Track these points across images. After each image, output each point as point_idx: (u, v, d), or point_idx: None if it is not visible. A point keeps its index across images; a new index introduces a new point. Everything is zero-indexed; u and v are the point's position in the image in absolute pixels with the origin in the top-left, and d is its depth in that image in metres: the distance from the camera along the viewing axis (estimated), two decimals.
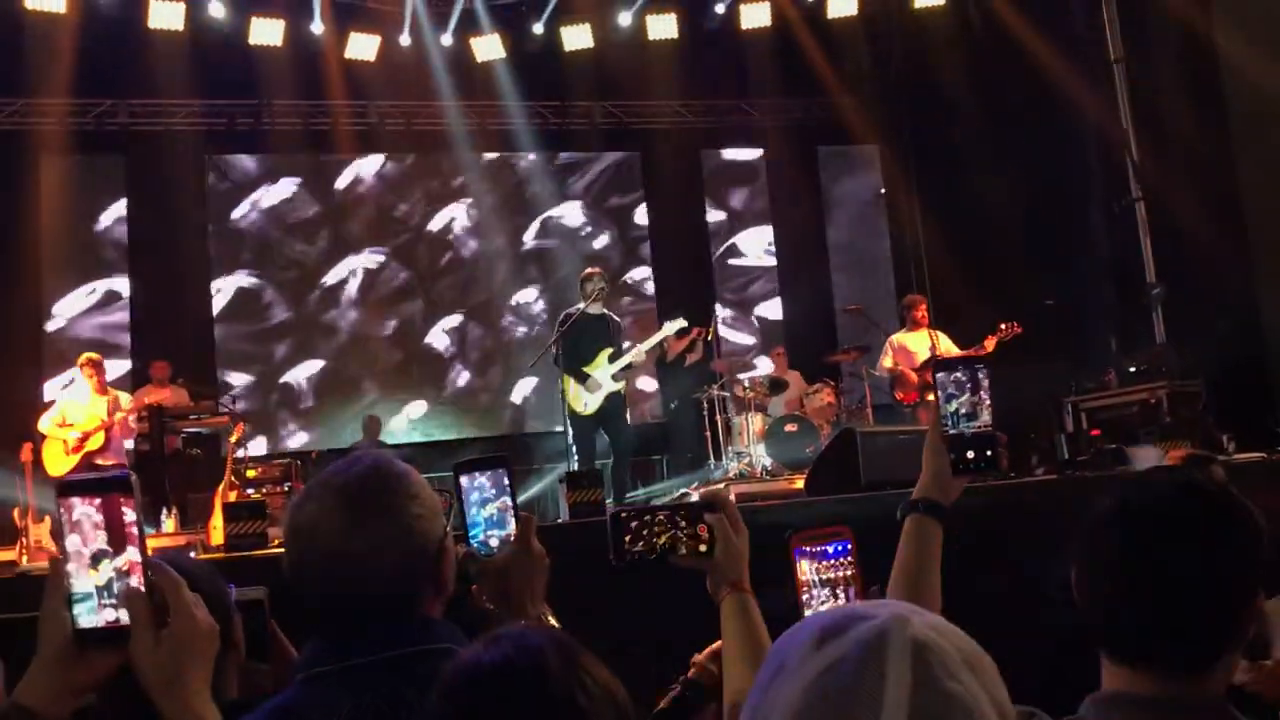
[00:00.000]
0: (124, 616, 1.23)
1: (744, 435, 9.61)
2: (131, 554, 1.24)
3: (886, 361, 8.91)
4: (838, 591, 1.67)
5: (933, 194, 11.80)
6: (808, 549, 1.69)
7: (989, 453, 1.78)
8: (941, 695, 0.85)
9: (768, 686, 0.91)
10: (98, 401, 8.21)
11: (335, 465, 1.59)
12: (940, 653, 0.88)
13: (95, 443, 7.98)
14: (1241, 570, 1.40)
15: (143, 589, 1.24)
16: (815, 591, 1.68)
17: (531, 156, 12.37)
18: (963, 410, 1.80)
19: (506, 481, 1.73)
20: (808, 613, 1.68)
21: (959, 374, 1.81)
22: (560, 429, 8.69)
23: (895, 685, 0.85)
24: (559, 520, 6.66)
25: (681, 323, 8.05)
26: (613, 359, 7.62)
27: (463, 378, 12.09)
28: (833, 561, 1.68)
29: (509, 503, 1.72)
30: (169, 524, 7.85)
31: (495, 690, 1.11)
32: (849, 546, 1.68)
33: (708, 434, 9.85)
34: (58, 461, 7.96)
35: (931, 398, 1.84)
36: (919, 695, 0.85)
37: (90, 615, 1.23)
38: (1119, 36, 9.82)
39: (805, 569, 1.68)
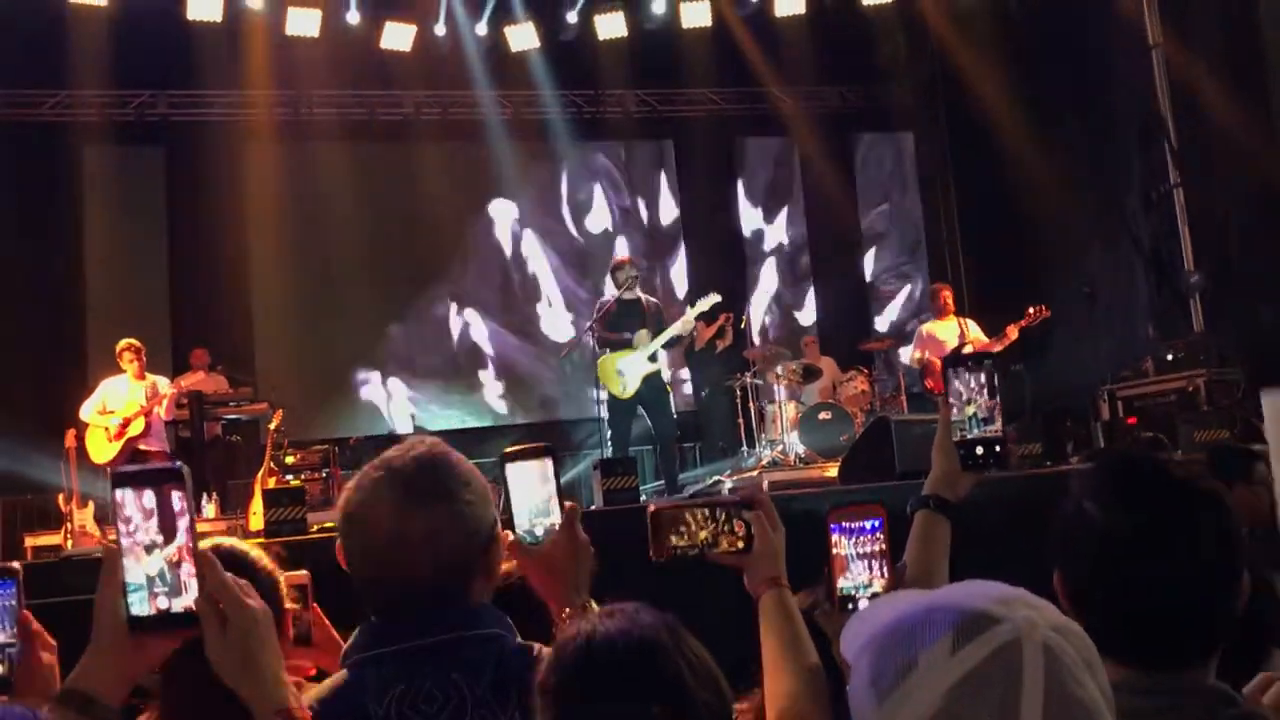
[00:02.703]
0: (176, 604, 1.26)
1: (777, 423, 9.60)
2: (184, 544, 1.26)
3: (916, 352, 8.97)
4: (871, 565, 1.72)
5: (968, 181, 11.72)
6: (844, 524, 1.73)
7: (996, 449, 1.83)
8: (1071, 701, 0.93)
9: (900, 679, 0.96)
10: (137, 387, 8.31)
11: (389, 451, 1.62)
12: (1066, 657, 0.95)
13: (136, 428, 8.09)
14: (1217, 558, 1.39)
15: (195, 580, 1.27)
16: (850, 565, 1.72)
17: (566, 145, 12.39)
18: (980, 415, 1.84)
19: (552, 470, 1.75)
20: (840, 583, 1.71)
21: (972, 376, 1.85)
22: (593, 416, 8.74)
23: (1030, 693, 0.92)
24: (593, 507, 6.70)
25: (715, 298, 8.07)
26: (653, 339, 7.67)
27: (497, 364, 12.15)
28: (868, 536, 1.72)
29: (554, 491, 1.75)
30: (209, 510, 7.97)
31: (609, 663, 1.18)
32: (881, 523, 1.73)
33: (740, 422, 9.87)
34: (101, 449, 8.08)
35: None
36: (1050, 702, 0.92)
37: (143, 604, 1.26)
38: (1158, 20, 9.70)
39: (841, 543, 1.72)
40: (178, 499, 1.26)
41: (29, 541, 7.92)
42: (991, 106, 10.42)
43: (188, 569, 1.27)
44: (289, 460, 8.40)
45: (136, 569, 1.26)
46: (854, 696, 1.01)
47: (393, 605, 1.55)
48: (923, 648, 0.96)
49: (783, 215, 13.12)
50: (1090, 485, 1.48)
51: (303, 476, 8.15)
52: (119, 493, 1.27)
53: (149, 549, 1.26)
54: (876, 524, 1.72)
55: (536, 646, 1.55)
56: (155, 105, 11.18)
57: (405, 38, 10.80)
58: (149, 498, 1.26)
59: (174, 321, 11.08)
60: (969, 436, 1.84)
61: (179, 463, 1.34)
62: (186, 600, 1.27)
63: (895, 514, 1.81)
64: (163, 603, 1.26)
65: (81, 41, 10.02)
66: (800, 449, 9.25)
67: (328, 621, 2.11)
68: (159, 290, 11.21)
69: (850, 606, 1.70)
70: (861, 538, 1.72)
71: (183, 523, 1.27)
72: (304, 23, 10.36)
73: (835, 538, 1.72)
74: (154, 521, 1.26)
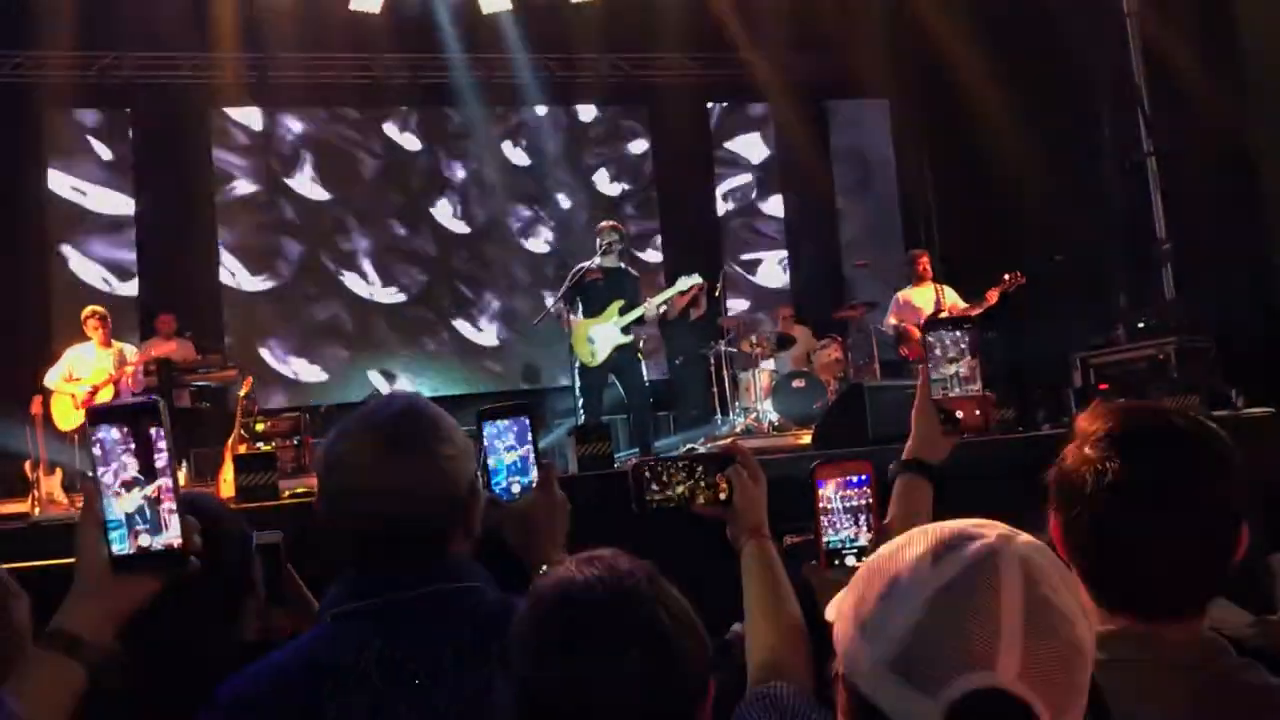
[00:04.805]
0: (157, 542, 1.25)
1: (751, 391, 9.63)
2: (163, 481, 1.25)
3: (891, 319, 8.98)
4: (858, 519, 1.73)
5: (943, 148, 11.70)
6: (831, 479, 1.74)
7: (976, 412, 1.85)
8: (1047, 605, 0.95)
9: (881, 599, 0.98)
10: (103, 355, 8.24)
11: (370, 404, 1.61)
12: (1042, 568, 0.97)
13: (105, 396, 8.01)
14: (1218, 506, 1.39)
15: (176, 518, 1.25)
16: (837, 518, 1.73)
17: (538, 110, 12.30)
18: (961, 373, 1.86)
19: (528, 429, 1.75)
20: (826, 538, 1.72)
21: (953, 336, 1.86)
22: (569, 384, 8.71)
23: (1009, 598, 0.94)
24: (568, 473, 6.67)
25: (696, 279, 8.02)
26: (624, 311, 7.61)
27: (471, 332, 12.08)
28: (855, 490, 1.73)
29: (531, 450, 1.75)
30: (180, 477, 7.88)
31: (587, 610, 1.16)
32: (868, 478, 1.74)
33: (714, 390, 9.87)
34: (68, 416, 7.99)
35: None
36: (1028, 606, 0.94)
37: (122, 542, 1.25)
38: None
39: (828, 496, 1.73)
40: (156, 435, 1.24)
41: None
42: (967, 73, 10.38)
43: (169, 506, 1.24)
44: (259, 427, 8.33)
45: (116, 507, 1.25)
46: (838, 635, 1.03)
47: (371, 558, 1.53)
48: (902, 566, 0.99)
49: (757, 183, 13.08)
50: (1092, 433, 1.47)
51: (273, 444, 8.09)
52: (96, 430, 1.26)
53: (128, 486, 1.25)
54: (863, 478, 1.73)
55: (515, 598, 1.53)
56: (119, 67, 10.96)
57: (375, 0, 10.63)
58: (126, 435, 1.25)
59: (141, 287, 10.96)
60: (950, 394, 1.84)
61: (155, 398, 1.31)
62: (168, 538, 1.24)
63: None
64: (144, 540, 1.26)
65: (43, 1, 9.81)
66: (774, 416, 9.28)
67: (300, 581, 2.09)
68: (125, 256, 11.07)
69: (837, 561, 1.70)
70: (848, 491, 1.73)
71: (162, 459, 1.25)
72: None
73: (821, 492, 1.72)
74: (132, 459, 1.26)
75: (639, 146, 12.81)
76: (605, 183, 12.70)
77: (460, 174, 12.26)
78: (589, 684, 1.13)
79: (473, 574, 1.55)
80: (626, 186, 12.75)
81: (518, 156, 12.40)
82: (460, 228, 12.19)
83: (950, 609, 0.94)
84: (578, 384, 7.87)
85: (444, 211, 12.16)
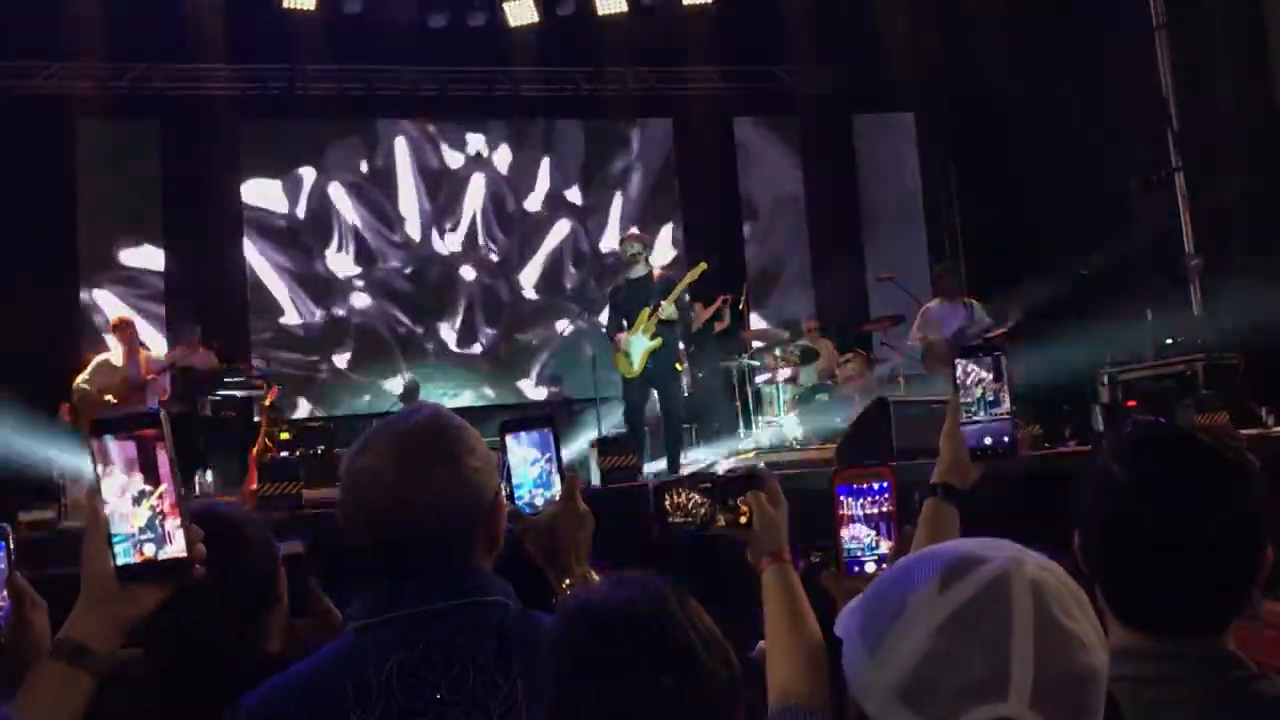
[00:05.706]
0: (162, 554, 1.25)
1: (774, 404, 9.59)
2: (166, 491, 1.25)
3: (916, 333, 8.93)
4: (878, 526, 1.72)
5: (969, 162, 11.67)
6: (851, 486, 1.73)
7: (1005, 438, 1.82)
8: (1060, 631, 0.93)
9: (889, 625, 0.96)
10: (130, 363, 8.30)
11: (394, 415, 1.60)
12: (1054, 592, 0.95)
13: (134, 403, 8.05)
14: (1239, 525, 1.38)
15: (180, 530, 1.25)
16: (856, 526, 1.72)
17: (564, 122, 12.33)
18: (987, 397, 1.83)
19: (552, 441, 1.73)
20: (846, 545, 1.71)
21: (980, 360, 1.84)
22: (592, 396, 8.77)
23: (1020, 625, 0.92)
24: (590, 485, 6.66)
25: (703, 266, 8.05)
26: (651, 316, 7.64)
27: (496, 343, 12.11)
28: (874, 498, 1.72)
29: (554, 462, 1.73)
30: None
31: (619, 631, 1.16)
32: (888, 486, 1.73)
33: (738, 403, 9.84)
34: None
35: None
36: (1041, 633, 0.92)
37: (128, 554, 1.25)
38: (1162, 1, 9.64)
39: (848, 504, 1.73)
40: (158, 446, 1.24)
41: (22, 516, 7.86)
42: (993, 87, 10.35)
43: (172, 516, 1.24)
44: (283, 436, 8.35)
45: (121, 520, 1.25)
46: (847, 658, 1.01)
47: (394, 570, 1.52)
48: (910, 591, 0.97)
49: (781, 196, 13.04)
50: (1117, 446, 1.46)
51: (297, 452, 8.09)
52: (99, 441, 1.25)
53: (136, 500, 1.25)
54: (883, 486, 1.72)
55: (537, 614, 1.52)
56: (150, 78, 11.07)
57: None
58: (130, 447, 1.25)
59: (168, 296, 11.05)
60: (976, 418, 1.82)
61: (158, 407, 1.31)
62: (172, 550, 1.24)
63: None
64: (149, 550, 1.25)
65: (75, 13, 9.94)
66: (797, 430, 9.23)
67: (321, 592, 2.08)
68: (153, 265, 11.17)
69: (856, 569, 1.69)
70: (867, 499, 1.72)
71: (164, 469, 1.24)
72: None
73: (842, 499, 1.72)
74: (135, 469, 1.25)
75: (664, 160, 12.80)
76: (628, 195, 12.69)
77: (483, 186, 12.30)
78: (620, 704, 1.13)
79: (495, 588, 1.54)
80: (650, 200, 12.74)
81: (544, 169, 12.45)
82: (486, 236, 12.24)
83: (959, 638, 0.93)
84: (622, 394, 7.99)
85: (467, 220, 12.21)
